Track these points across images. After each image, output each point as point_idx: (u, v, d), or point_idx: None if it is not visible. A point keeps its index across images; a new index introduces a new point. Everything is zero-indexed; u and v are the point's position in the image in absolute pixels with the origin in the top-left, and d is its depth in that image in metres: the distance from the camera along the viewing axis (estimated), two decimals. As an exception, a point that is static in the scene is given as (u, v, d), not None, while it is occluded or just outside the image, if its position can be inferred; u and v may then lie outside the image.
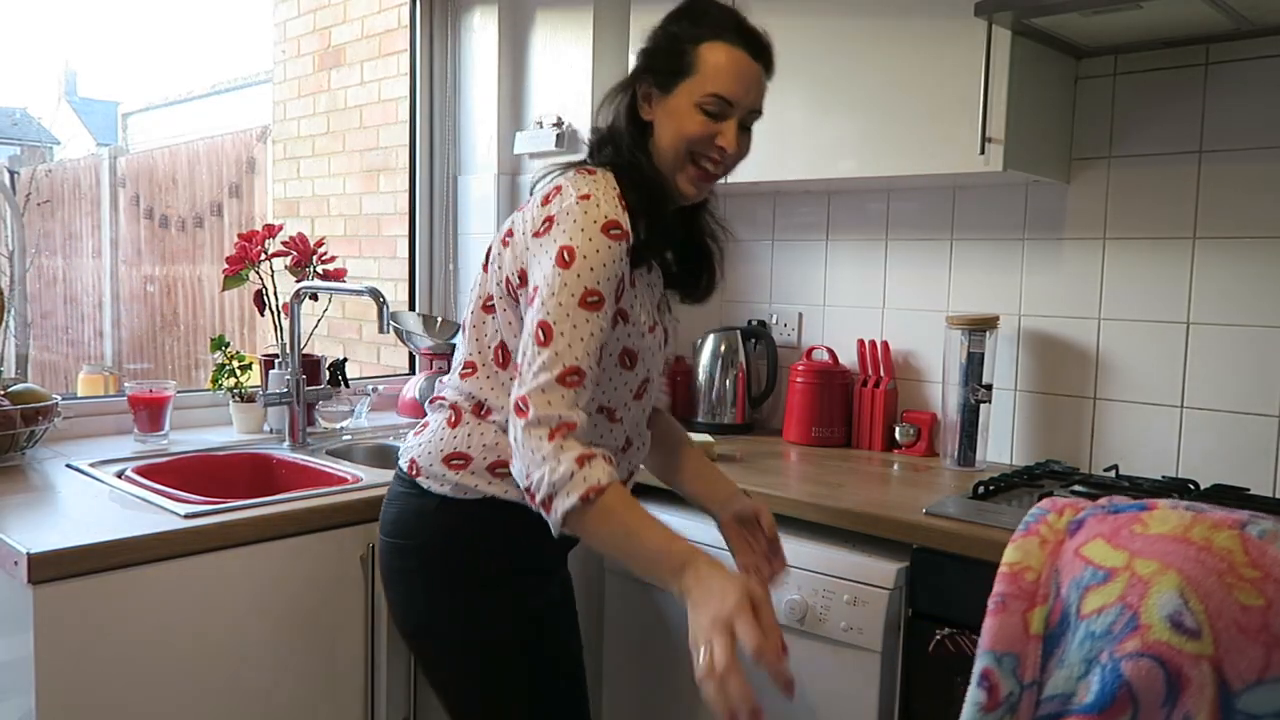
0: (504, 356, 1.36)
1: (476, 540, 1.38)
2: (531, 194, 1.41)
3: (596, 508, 1.15)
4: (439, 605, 1.39)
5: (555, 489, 1.16)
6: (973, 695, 1.02)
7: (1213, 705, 0.92)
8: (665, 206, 1.37)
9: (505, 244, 1.37)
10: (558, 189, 1.33)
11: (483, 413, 1.37)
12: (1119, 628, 0.96)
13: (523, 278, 1.31)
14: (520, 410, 1.19)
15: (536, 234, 1.30)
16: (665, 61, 1.35)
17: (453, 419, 1.39)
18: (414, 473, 1.40)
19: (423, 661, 1.48)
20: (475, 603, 1.39)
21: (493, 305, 1.38)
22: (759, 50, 1.36)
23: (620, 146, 1.37)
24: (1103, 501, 1.11)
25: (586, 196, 1.28)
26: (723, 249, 1.51)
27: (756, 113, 1.38)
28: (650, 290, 1.40)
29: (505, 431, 1.33)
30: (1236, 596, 0.95)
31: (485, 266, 1.41)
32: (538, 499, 1.18)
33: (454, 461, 1.36)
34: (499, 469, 1.35)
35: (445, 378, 1.44)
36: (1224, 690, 0.92)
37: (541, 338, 1.21)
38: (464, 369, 1.41)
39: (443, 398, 1.43)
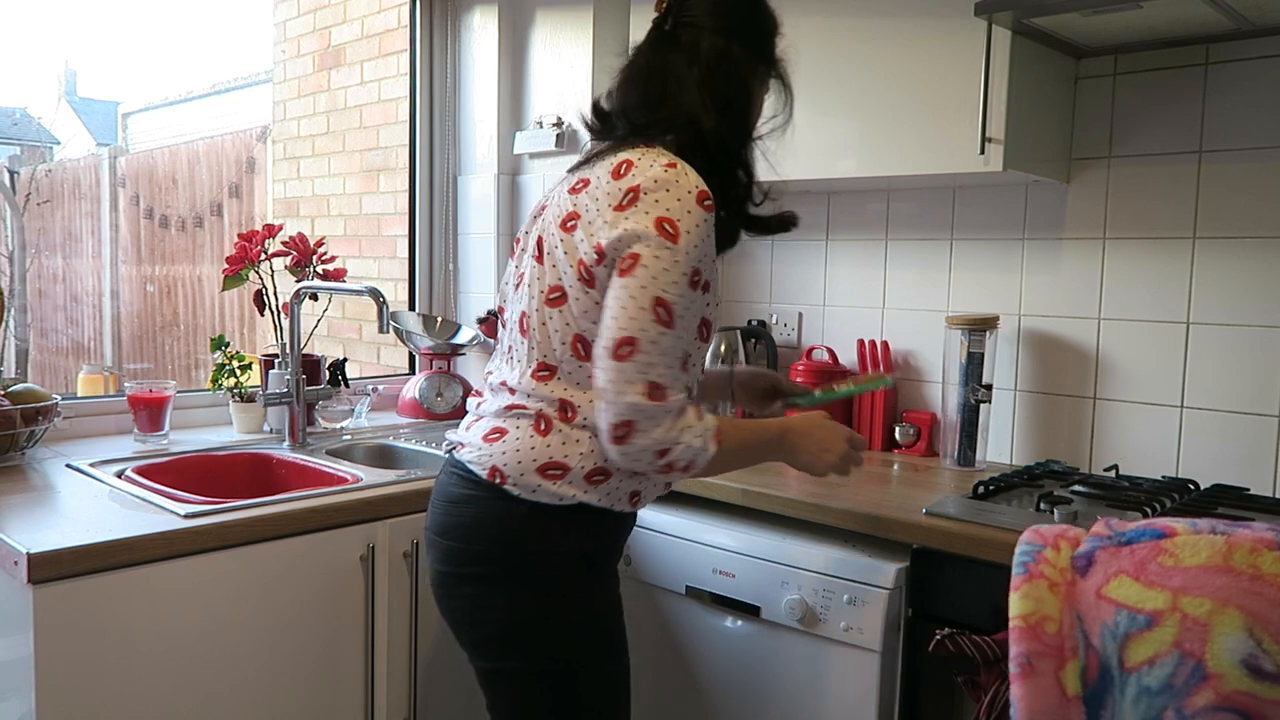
0: (585, 348, 1.30)
1: (567, 543, 1.33)
2: (571, 173, 1.38)
3: (724, 446, 1.29)
4: (523, 610, 1.34)
5: (698, 453, 1.26)
6: None
7: None
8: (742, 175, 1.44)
9: (569, 229, 1.30)
10: (628, 163, 1.29)
11: (569, 416, 1.31)
12: (1181, 680, 0.85)
13: (600, 254, 1.26)
14: (654, 394, 1.23)
15: (619, 207, 1.25)
16: (772, 49, 1.45)
17: (542, 427, 1.32)
18: (498, 480, 1.32)
19: (495, 673, 1.39)
20: (565, 606, 1.34)
21: (560, 296, 1.30)
22: None
23: (742, 130, 1.43)
24: (1102, 531, 1.01)
25: (674, 165, 1.28)
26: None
27: None
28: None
29: (595, 426, 1.30)
30: None
31: (540, 258, 1.34)
32: (678, 467, 1.27)
33: (550, 472, 1.30)
34: (595, 476, 1.31)
35: (508, 379, 1.37)
36: None
37: (664, 316, 1.23)
38: (539, 371, 1.33)
39: (522, 406, 1.34)
